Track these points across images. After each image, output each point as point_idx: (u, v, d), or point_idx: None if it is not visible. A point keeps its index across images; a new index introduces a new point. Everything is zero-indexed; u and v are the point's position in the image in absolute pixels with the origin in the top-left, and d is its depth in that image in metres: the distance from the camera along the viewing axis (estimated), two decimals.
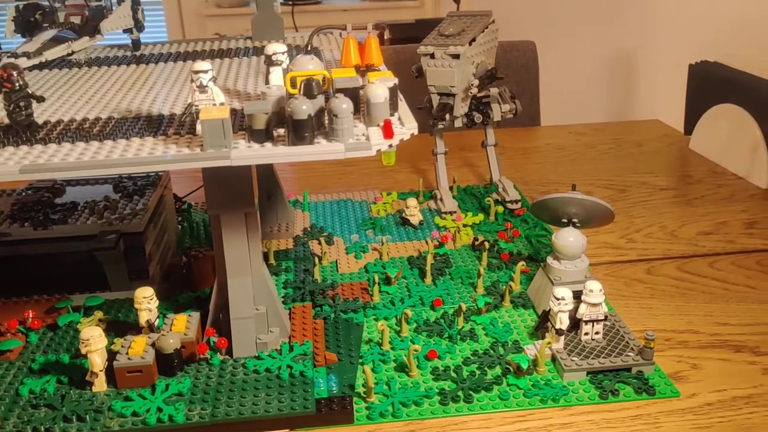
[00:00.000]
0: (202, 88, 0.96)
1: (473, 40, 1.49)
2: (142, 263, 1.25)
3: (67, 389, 1.03)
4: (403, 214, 1.59)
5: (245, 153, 0.90)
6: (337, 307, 1.25)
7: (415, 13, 4.69)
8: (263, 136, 0.93)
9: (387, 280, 1.34)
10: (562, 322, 1.08)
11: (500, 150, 1.74)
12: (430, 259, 1.35)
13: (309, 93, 0.93)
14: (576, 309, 1.10)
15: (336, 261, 1.44)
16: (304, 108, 0.90)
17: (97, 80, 1.28)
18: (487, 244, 1.40)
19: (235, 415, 0.97)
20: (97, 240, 1.21)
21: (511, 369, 1.07)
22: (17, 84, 0.97)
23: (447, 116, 1.54)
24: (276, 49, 1.05)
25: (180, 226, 1.57)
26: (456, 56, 1.47)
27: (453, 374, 1.07)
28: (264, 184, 1.54)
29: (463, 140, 2.05)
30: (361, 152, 0.91)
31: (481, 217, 1.59)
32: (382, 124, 0.95)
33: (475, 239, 1.48)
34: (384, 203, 1.69)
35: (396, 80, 1.00)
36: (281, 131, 0.96)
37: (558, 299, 1.08)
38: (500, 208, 1.62)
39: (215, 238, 1.08)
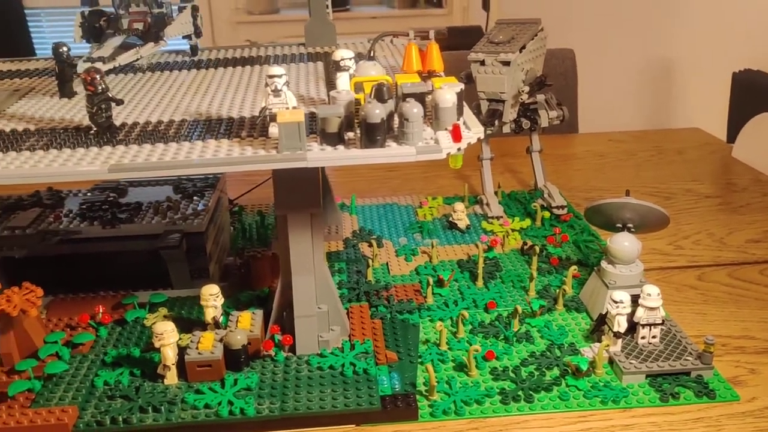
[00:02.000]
0: (276, 92, 0.99)
1: (523, 47, 1.52)
2: (204, 262, 1.29)
3: (140, 381, 1.06)
4: (451, 218, 1.62)
5: (320, 155, 0.93)
6: (392, 308, 1.27)
7: (444, 21, 4.72)
8: (336, 138, 0.96)
9: (439, 283, 1.37)
10: (620, 325, 1.10)
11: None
12: (481, 263, 1.38)
13: (380, 97, 0.96)
14: (632, 313, 1.12)
15: (387, 263, 1.47)
16: (377, 112, 0.92)
17: (162, 84, 1.32)
18: (537, 249, 1.42)
19: (304, 410, 1.00)
20: (162, 239, 1.25)
21: (570, 370, 1.09)
22: (100, 87, 1.01)
23: (496, 122, 1.56)
24: (344, 54, 1.08)
25: (232, 228, 1.61)
26: (506, 63, 1.50)
27: (512, 374, 1.09)
28: None
29: (504, 146, 2.07)
30: (431, 155, 0.94)
31: (527, 222, 1.61)
32: (450, 128, 0.97)
33: (524, 244, 1.50)
34: (430, 207, 1.72)
35: (462, 86, 1.03)
36: (350, 134, 0.99)
37: (616, 302, 1.10)
38: (546, 214, 1.64)
39: (281, 238, 1.11)
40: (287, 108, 1.00)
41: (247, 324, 1.13)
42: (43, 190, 1.42)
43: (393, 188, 1.88)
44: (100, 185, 1.43)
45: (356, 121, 1.00)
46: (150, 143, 1.00)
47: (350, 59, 1.09)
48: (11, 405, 1.02)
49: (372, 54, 1.20)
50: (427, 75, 1.15)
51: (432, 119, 1.00)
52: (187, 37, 1.52)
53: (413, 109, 0.94)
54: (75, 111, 1.16)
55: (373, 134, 0.93)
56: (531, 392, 1.05)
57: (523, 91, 1.51)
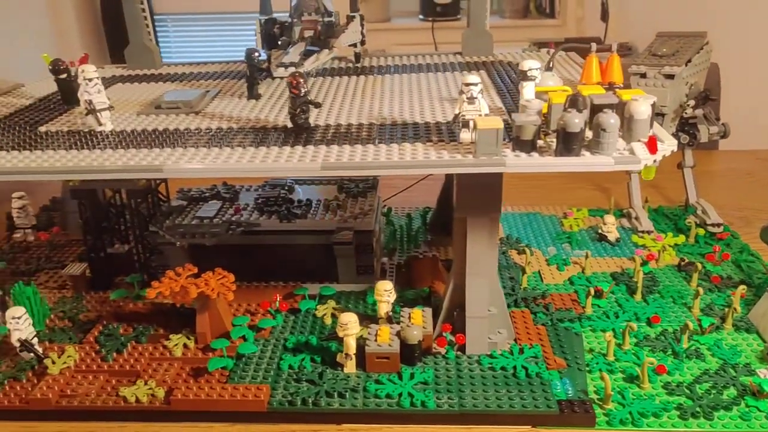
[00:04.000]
0: (471, 100, 1.03)
1: (689, 60, 1.49)
2: (370, 259, 1.35)
3: (321, 368, 1.13)
4: (600, 230, 1.61)
5: (518, 161, 0.96)
6: (552, 316, 1.28)
7: (557, 32, 4.64)
8: (529, 146, 0.99)
9: (596, 294, 1.36)
10: None
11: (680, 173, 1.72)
12: (640, 277, 1.36)
13: (576, 107, 0.98)
14: None
15: (538, 271, 1.48)
16: (577, 121, 0.94)
17: (337, 89, 1.39)
18: (699, 266, 1.39)
19: (482, 408, 1.03)
20: (335, 235, 1.31)
21: (749, 391, 1.07)
22: (303, 90, 1.09)
23: None
24: (531, 65, 1.11)
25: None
26: (670, 76, 1.48)
27: (686, 390, 1.08)
28: None
29: None
30: (628, 166, 0.95)
31: (681, 238, 1.58)
32: (644, 139, 0.98)
33: (681, 260, 1.47)
34: (575, 218, 1.72)
35: (655, 98, 1.03)
36: (539, 142, 1.01)
37: None
38: (701, 231, 1.60)
39: (457, 240, 1.15)
40: (480, 115, 1.03)
41: (419, 320, 1.17)
42: (219, 184, 1.53)
43: (534, 198, 1.89)
44: (271, 182, 1.52)
45: (541, 129, 1.03)
46: (348, 144, 1.06)
47: (536, 69, 1.11)
48: (209, 379, 1.10)
49: (551, 65, 1.22)
50: (608, 87, 1.16)
51: (622, 130, 1.01)
52: (353, 45, 1.60)
53: (610, 119, 0.96)
54: (267, 111, 1.24)
55: (570, 143, 0.95)
56: (710, 410, 1.03)
57: (688, 105, 1.49)
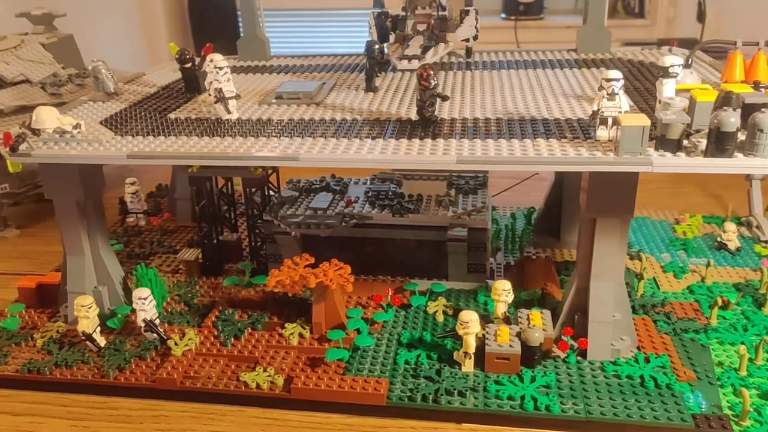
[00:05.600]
0: (612, 96, 0.99)
1: None
2: (482, 257, 1.33)
3: (438, 365, 1.11)
4: (719, 239, 1.53)
5: (666, 161, 0.92)
6: (674, 325, 1.22)
7: (645, 33, 4.47)
8: (675, 145, 0.94)
9: (717, 304, 1.29)
10: None
11: None
12: None
13: (730, 106, 0.93)
14: None
15: (654, 278, 1.42)
16: (732, 120, 0.89)
17: (455, 83, 1.37)
18: None
19: (610, 416, 0.99)
20: (450, 231, 1.29)
21: None
22: (432, 83, 1.07)
23: None
24: (673, 61, 1.05)
25: None
26: None
27: None
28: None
29: None
30: None
31: None
32: None
33: None
34: (688, 225, 1.64)
35: None
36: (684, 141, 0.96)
37: None
38: None
39: (584, 241, 1.11)
40: (620, 112, 0.99)
41: (539, 322, 1.14)
42: (328, 176, 1.53)
43: (638, 202, 1.81)
44: (380, 175, 1.51)
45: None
46: (479, 138, 1.04)
47: (679, 66, 1.06)
48: (326, 370, 1.10)
49: (690, 62, 1.16)
50: (753, 86, 1.09)
51: None
52: (465, 39, 1.57)
53: None
54: (386, 104, 1.24)
55: (723, 143, 0.90)
56: None
57: None
